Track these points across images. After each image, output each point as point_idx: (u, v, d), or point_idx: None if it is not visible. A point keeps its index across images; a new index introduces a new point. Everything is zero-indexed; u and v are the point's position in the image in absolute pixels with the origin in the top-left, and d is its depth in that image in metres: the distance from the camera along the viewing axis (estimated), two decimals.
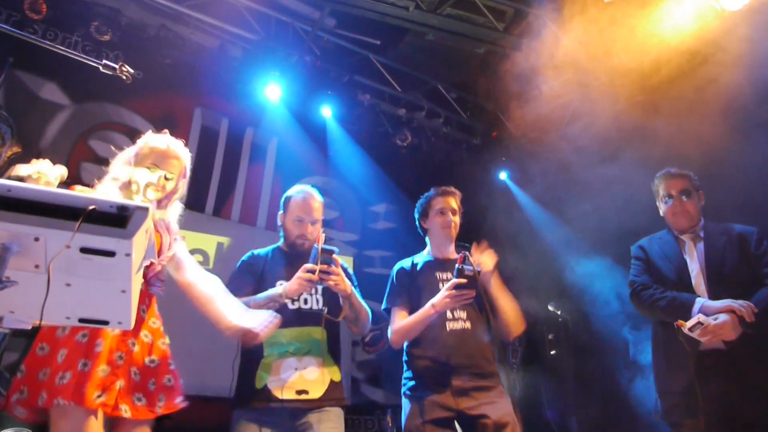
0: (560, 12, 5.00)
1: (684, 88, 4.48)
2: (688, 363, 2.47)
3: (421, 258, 2.92)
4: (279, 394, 2.36)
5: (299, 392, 2.38)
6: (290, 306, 2.51)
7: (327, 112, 6.51)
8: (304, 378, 2.41)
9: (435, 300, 2.50)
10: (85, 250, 1.17)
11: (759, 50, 3.93)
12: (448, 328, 2.64)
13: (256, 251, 2.76)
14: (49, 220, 1.14)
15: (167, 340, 2.24)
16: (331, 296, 2.60)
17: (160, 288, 2.26)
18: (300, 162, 6.46)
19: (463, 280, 2.36)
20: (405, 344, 2.74)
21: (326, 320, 2.53)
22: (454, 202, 2.90)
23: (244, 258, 2.73)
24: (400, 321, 2.68)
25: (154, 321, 2.21)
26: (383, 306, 2.82)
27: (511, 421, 2.44)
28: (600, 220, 4.76)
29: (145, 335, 2.14)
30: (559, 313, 5.28)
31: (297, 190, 2.77)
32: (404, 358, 2.76)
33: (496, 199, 6.24)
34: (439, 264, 2.83)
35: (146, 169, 2.21)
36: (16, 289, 1.24)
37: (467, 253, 2.39)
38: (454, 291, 2.40)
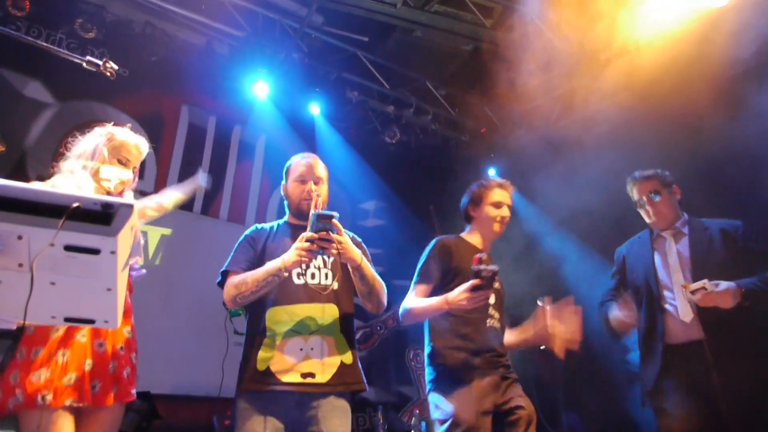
0: (547, 8, 5.02)
1: (672, 83, 4.51)
2: (660, 354, 2.61)
3: (462, 240, 2.80)
4: (282, 377, 2.13)
5: (305, 375, 2.14)
6: (296, 281, 2.27)
7: (315, 109, 6.49)
8: (310, 360, 2.17)
9: (450, 297, 2.39)
10: (69, 248, 1.15)
11: (746, 44, 3.97)
12: (488, 324, 2.63)
13: (260, 225, 2.53)
14: (32, 218, 1.12)
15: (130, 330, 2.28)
16: (342, 269, 2.37)
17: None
18: (288, 159, 6.43)
19: (481, 281, 2.27)
20: (431, 340, 2.65)
21: (339, 297, 2.32)
22: (509, 198, 2.81)
23: (247, 232, 2.50)
24: (417, 299, 2.60)
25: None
26: (414, 279, 2.68)
27: (534, 421, 2.50)
28: (590, 216, 4.79)
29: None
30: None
31: (297, 156, 2.59)
32: (436, 348, 2.63)
33: None
34: (479, 252, 2.71)
35: (119, 166, 2.26)
36: (0, 288, 1.22)
37: (483, 255, 2.35)
38: (470, 293, 2.31)
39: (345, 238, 2.14)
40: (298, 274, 2.30)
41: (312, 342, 2.20)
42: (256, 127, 6.43)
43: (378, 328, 6.88)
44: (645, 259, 2.84)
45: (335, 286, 2.34)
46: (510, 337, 2.77)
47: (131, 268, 2.21)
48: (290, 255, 2.12)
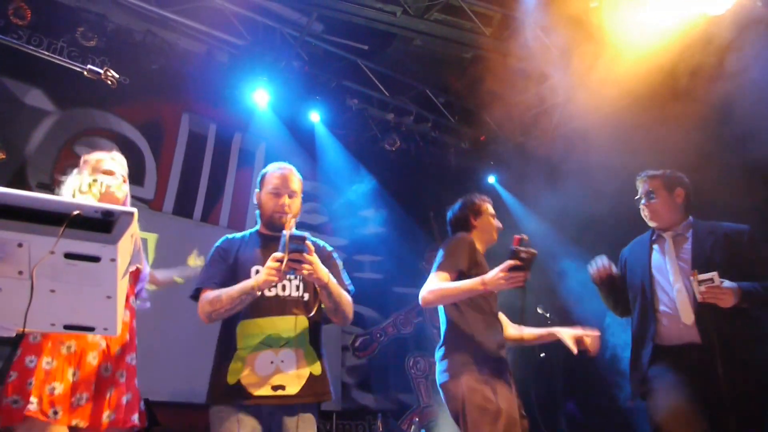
0: (546, 17, 5.05)
1: (670, 91, 4.53)
2: (650, 353, 2.60)
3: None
4: (253, 391, 2.15)
5: (275, 388, 2.16)
6: (267, 293, 2.27)
7: (315, 117, 6.51)
8: (280, 372, 2.19)
9: (487, 277, 2.38)
10: (69, 256, 1.15)
11: (743, 53, 3.99)
12: (497, 313, 2.76)
13: (231, 235, 2.52)
14: (33, 226, 1.12)
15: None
16: (311, 282, 2.33)
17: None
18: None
19: (520, 262, 2.26)
20: (449, 329, 2.70)
21: (309, 308, 2.32)
22: None
23: (218, 243, 2.49)
24: (443, 281, 2.59)
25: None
26: (436, 266, 2.68)
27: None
28: (588, 223, 4.80)
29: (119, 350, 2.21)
30: (548, 315, 5.30)
31: (273, 164, 2.54)
32: (448, 336, 2.69)
33: None
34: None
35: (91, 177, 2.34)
36: (0, 296, 1.22)
37: (524, 236, 2.30)
38: (509, 272, 2.29)
39: (315, 258, 2.14)
40: (270, 286, 2.29)
41: (282, 354, 2.22)
42: (257, 135, 6.44)
43: (378, 335, 6.86)
44: (642, 260, 2.82)
45: (306, 297, 2.35)
46: (512, 332, 2.94)
47: (139, 297, 2.27)
48: (261, 274, 2.13)
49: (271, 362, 2.19)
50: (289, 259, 2.05)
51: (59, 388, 1.92)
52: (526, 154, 6.24)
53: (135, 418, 2.17)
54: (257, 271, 2.29)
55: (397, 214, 7.02)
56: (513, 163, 6.41)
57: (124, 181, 2.41)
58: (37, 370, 1.92)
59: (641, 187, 2.89)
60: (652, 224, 2.87)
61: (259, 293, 2.19)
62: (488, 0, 5.33)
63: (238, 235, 2.53)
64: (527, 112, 6.37)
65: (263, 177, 2.52)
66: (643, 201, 2.86)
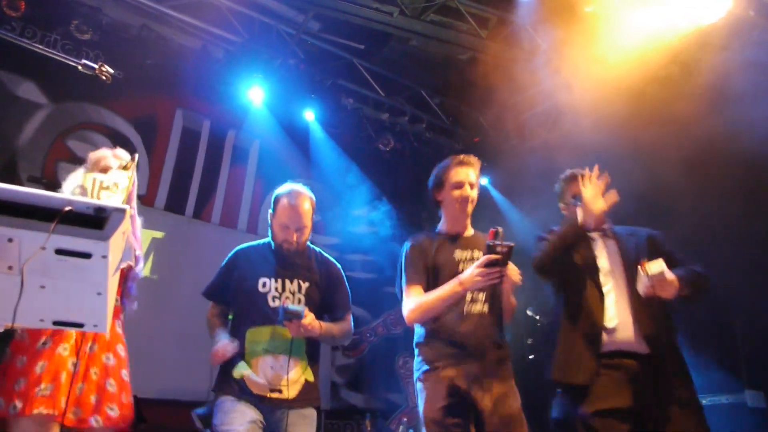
0: (542, 20, 5.07)
1: (662, 96, 4.57)
2: (589, 362, 2.38)
3: (434, 234, 2.74)
4: (254, 389, 2.39)
5: (273, 390, 2.40)
6: (271, 304, 2.51)
7: (310, 115, 6.50)
8: (279, 377, 2.42)
9: (463, 277, 2.29)
10: (60, 252, 1.15)
11: (734, 60, 4.03)
12: (465, 311, 2.48)
13: (242, 247, 2.70)
14: (24, 221, 1.12)
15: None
16: (313, 296, 2.61)
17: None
18: (282, 165, 6.45)
19: (496, 257, 2.17)
20: (418, 327, 2.58)
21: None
22: (473, 174, 2.66)
23: (230, 255, 2.71)
24: (419, 296, 2.48)
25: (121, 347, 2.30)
26: (399, 285, 2.65)
27: (517, 417, 2.38)
28: None
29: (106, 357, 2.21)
30: (537, 317, 5.34)
31: (287, 191, 2.61)
32: (417, 340, 2.59)
33: (477, 205, 6.27)
34: (456, 240, 2.65)
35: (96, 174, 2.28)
36: None
37: (499, 228, 2.17)
38: (485, 269, 2.20)
39: (308, 321, 2.37)
40: (273, 298, 2.52)
41: (282, 361, 2.44)
42: (251, 132, 6.43)
43: (368, 335, 6.87)
44: (584, 252, 2.61)
45: (305, 311, 2.47)
46: None
47: (127, 297, 2.31)
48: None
49: (271, 367, 2.43)
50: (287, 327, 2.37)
51: (23, 382, 1.94)
52: (519, 156, 6.25)
53: (94, 420, 2.06)
54: (264, 284, 2.53)
55: (389, 213, 7.03)
56: (506, 165, 6.42)
57: (130, 180, 2.39)
58: (10, 370, 1.95)
59: (573, 185, 2.71)
60: (586, 221, 2.60)
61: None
62: (485, 2, 5.35)
63: (252, 245, 2.73)
64: (521, 114, 6.39)
65: (276, 202, 2.64)
66: (570, 203, 2.72)
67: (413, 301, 2.50)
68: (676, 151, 4.29)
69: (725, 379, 4.04)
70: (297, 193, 2.61)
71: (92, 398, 2.07)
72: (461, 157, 2.72)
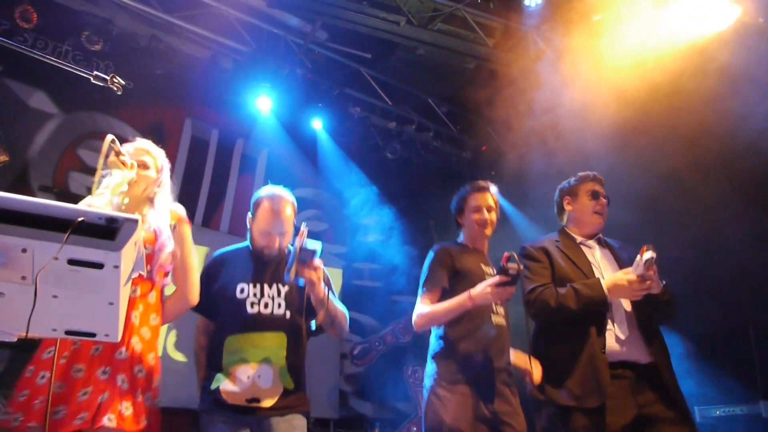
0: (549, 29, 5.08)
1: (671, 102, 4.54)
2: (600, 373, 2.32)
3: (459, 245, 2.86)
4: (230, 399, 2.27)
5: (249, 400, 2.27)
6: (249, 310, 2.38)
7: (317, 124, 6.53)
8: (256, 386, 2.29)
9: (474, 292, 2.40)
10: (73, 262, 1.16)
11: (746, 67, 4.01)
12: (493, 321, 2.59)
13: (220, 252, 2.60)
14: (37, 232, 1.12)
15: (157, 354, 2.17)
16: (293, 301, 2.44)
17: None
18: (290, 173, 6.46)
19: (507, 278, 2.30)
20: (438, 335, 2.62)
21: (290, 326, 2.40)
22: (490, 199, 2.82)
23: (208, 263, 2.59)
24: (429, 304, 2.57)
25: (146, 330, 2.10)
26: (421, 288, 2.66)
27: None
28: None
29: (136, 342, 2.06)
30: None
31: (267, 194, 2.52)
32: (436, 349, 2.60)
33: None
34: (478, 254, 2.80)
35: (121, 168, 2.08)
36: (2, 300, 1.22)
37: (514, 254, 2.30)
38: (496, 288, 2.33)
39: (320, 273, 2.25)
40: (252, 303, 2.39)
41: (259, 370, 2.31)
42: (259, 141, 6.46)
43: (376, 344, 6.85)
44: (580, 262, 2.57)
45: (288, 315, 2.42)
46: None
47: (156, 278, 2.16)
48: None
49: (248, 377, 2.30)
50: (298, 269, 2.17)
51: (26, 394, 1.87)
52: (526, 164, 6.24)
53: (106, 419, 1.87)
54: (242, 290, 2.40)
55: (397, 222, 7.02)
56: (514, 173, 6.41)
57: (158, 172, 2.29)
58: (21, 380, 1.91)
59: (599, 186, 2.74)
60: (599, 225, 2.70)
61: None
62: (491, 11, 5.36)
63: (229, 249, 2.61)
64: (529, 123, 6.38)
65: (257, 206, 2.52)
66: (599, 198, 2.71)
67: (424, 307, 2.58)
68: (683, 158, 4.27)
69: (740, 390, 3.98)
70: (279, 198, 2.50)
71: (99, 399, 1.90)
72: (479, 182, 2.88)
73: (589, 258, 2.62)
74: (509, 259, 2.30)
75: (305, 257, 2.17)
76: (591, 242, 2.70)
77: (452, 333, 2.58)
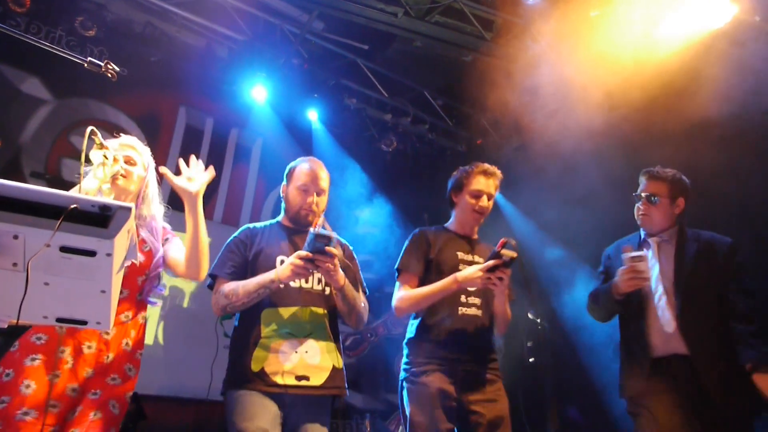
0: (547, 23, 5.06)
1: (667, 101, 4.55)
2: (643, 366, 2.50)
3: (442, 229, 2.77)
4: (279, 379, 2.13)
5: (299, 378, 2.15)
6: (292, 284, 2.28)
7: (313, 115, 6.50)
8: (305, 362, 2.18)
9: (461, 275, 2.35)
10: (65, 249, 1.15)
11: (741, 64, 4.02)
12: (460, 312, 2.51)
13: (252, 225, 2.51)
14: (29, 218, 1.12)
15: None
16: None
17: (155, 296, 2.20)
18: (284, 164, 6.35)
19: (499, 261, 2.24)
20: (412, 328, 2.59)
21: (330, 302, 2.34)
22: (493, 187, 2.70)
23: (236, 234, 2.46)
24: (410, 288, 2.51)
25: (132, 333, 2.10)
26: (396, 272, 2.64)
27: (504, 421, 2.41)
28: (584, 229, 4.81)
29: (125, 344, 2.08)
30: (538, 321, 5.32)
31: (302, 159, 2.55)
32: (408, 336, 2.60)
33: None
34: (462, 241, 2.70)
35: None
36: None
37: (511, 240, 2.24)
38: (485, 273, 2.27)
39: (336, 261, 2.16)
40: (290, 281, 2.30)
41: (307, 345, 2.22)
42: (253, 131, 6.43)
43: (368, 335, 6.87)
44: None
45: (327, 291, 2.37)
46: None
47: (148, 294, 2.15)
48: (285, 269, 2.14)
49: (296, 352, 2.19)
50: (313, 258, 2.10)
51: (6, 401, 1.78)
52: (522, 159, 6.25)
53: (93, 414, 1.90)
54: (282, 262, 2.29)
55: (391, 214, 7.02)
56: (509, 167, 6.40)
57: (144, 169, 2.33)
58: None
59: (645, 184, 2.75)
60: (642, 226, 2.77)
61: (282, 286, 2.20)
62: (490, 4, 5.34)
63: (259, 225, 2.53)
64: (525, 117, 6.38)
65: (291, 171, 2.56)
66: (638, 202, 2.75)
67: (404, 291, 2.54)
68: (679, 154, 4.28)
69: None
70: (315, 160, 2.56)
71: (91, 415, 1.89)
72: (486, 166, 2.75)
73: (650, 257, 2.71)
74: (505, 245, 2.25)
75: (319, 245, 2.08)
76: (653, 239, 2.72)
77: (419, 322, 2.57)
